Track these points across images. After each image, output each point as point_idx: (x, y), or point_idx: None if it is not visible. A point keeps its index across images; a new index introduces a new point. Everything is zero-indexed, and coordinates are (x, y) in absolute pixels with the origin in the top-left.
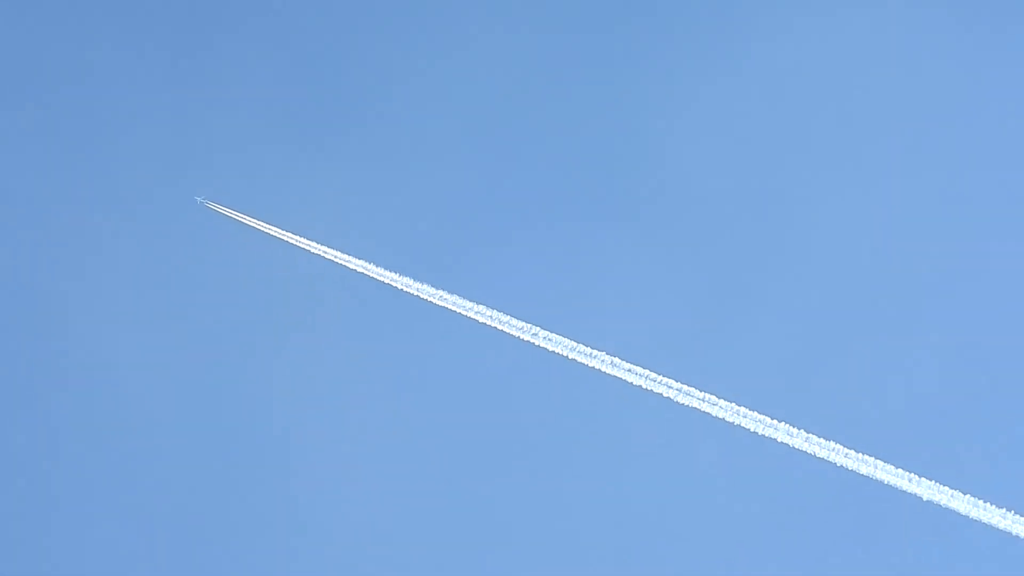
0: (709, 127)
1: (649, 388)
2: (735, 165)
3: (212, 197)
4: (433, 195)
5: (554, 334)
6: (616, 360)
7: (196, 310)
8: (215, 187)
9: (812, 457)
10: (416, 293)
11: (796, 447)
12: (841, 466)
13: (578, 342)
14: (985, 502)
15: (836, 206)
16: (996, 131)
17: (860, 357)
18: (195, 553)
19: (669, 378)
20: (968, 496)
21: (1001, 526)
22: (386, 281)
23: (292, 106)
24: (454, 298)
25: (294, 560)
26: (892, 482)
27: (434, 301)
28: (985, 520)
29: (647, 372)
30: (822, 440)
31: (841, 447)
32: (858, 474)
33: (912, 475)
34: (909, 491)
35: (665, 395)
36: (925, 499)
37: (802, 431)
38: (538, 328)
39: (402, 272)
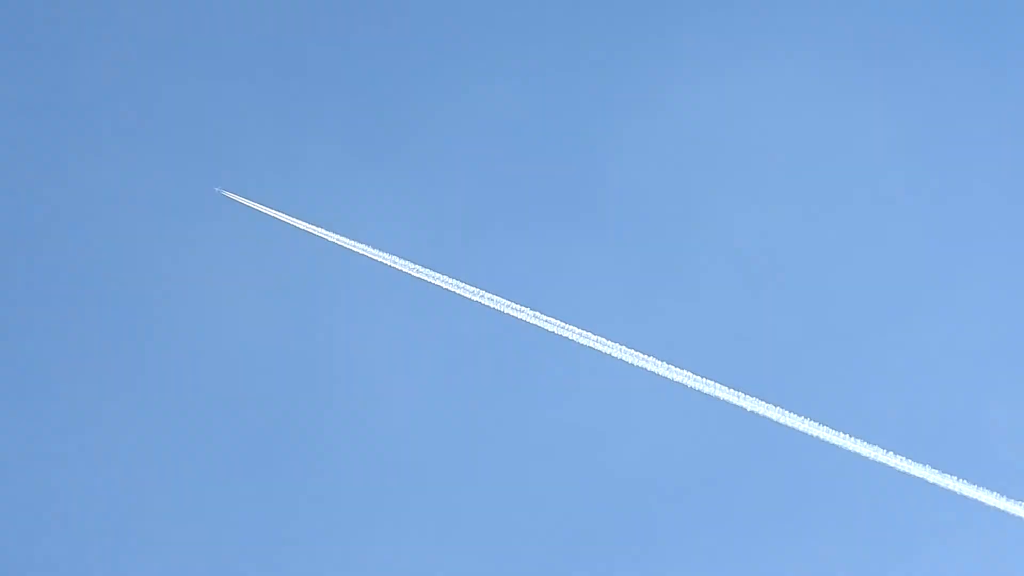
0: (649, 152)
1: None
2: (665, 183)
3: (232, 188)
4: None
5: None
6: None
7: (220, 297)
8: (236, 178)
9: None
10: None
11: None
12: (724, 400)
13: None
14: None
15: (736, 208)
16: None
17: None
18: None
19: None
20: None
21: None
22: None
23: (318, 99)
24: (455, 282)
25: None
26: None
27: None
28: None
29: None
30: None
31: (723, 387)
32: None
33: (783, 409)
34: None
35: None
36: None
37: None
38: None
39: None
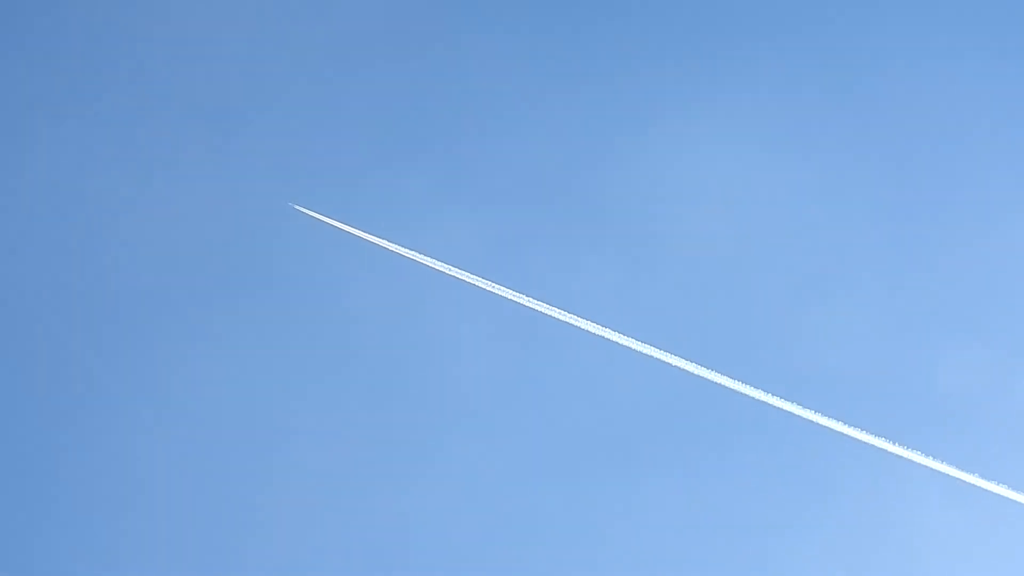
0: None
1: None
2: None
3: (305, 203)
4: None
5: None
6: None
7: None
8: (310, 193)
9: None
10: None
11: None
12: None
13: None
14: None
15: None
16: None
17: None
18: None
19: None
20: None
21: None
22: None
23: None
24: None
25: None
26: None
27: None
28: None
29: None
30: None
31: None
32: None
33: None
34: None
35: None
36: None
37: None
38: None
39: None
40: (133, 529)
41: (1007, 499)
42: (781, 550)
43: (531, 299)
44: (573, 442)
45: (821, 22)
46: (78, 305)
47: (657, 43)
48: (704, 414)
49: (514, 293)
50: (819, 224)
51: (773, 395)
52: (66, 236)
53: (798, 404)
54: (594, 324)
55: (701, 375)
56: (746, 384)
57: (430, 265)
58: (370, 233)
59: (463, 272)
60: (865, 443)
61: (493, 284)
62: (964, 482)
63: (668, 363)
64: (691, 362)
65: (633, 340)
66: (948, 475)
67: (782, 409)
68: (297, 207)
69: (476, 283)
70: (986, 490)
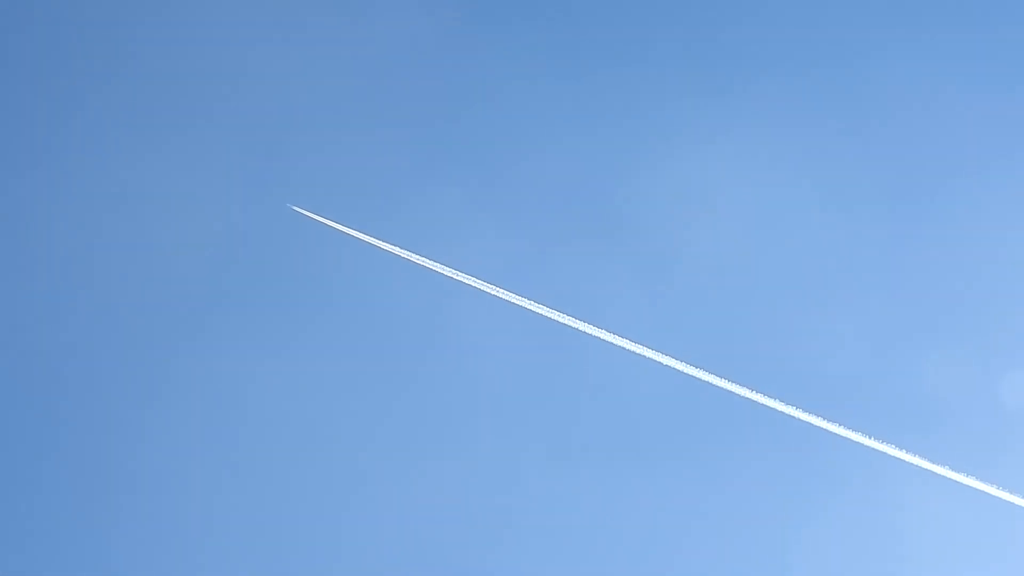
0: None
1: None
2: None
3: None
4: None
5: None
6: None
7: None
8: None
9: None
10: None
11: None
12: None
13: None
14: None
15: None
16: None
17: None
18: None
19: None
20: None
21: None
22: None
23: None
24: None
25: None
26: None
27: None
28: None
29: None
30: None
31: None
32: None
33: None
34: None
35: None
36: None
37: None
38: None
39: None
40: (133, 529)
41: (985, 493)
42: (779, 542)
43: (549, 308)
44: (593, 443)
45: (836, 46)
46: (79, 307)
47: (679, 68)
48: (716, 418)
49: (534, 303)
50: (828, 238)
51: (783, 401)
52: (66, 236)
53: (802, 409)
54: (612, 334)
55: (710, 381)
56: (756, 391)
57: (454, 276)
58: (399, 247)
59: (485, 283)
60: (865, 445)
61: (514, 295)
62: (945, 477)
63: (683, 371)
64: (706, 371)
65: (648, 349)
66: (931, 471)
67: (794, 416)
68: (302, 211)
69: (498, 294)
70: (966, 485)
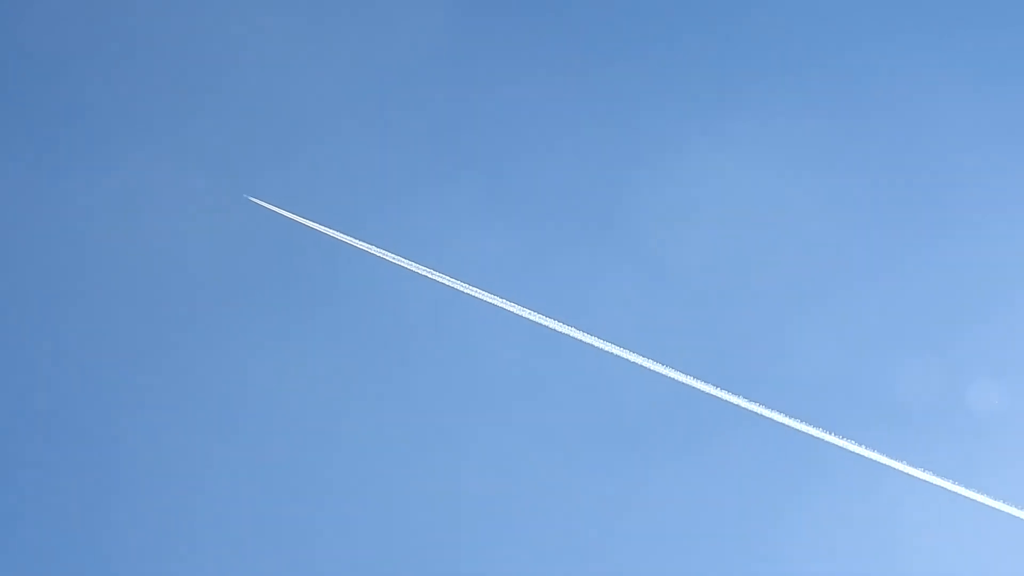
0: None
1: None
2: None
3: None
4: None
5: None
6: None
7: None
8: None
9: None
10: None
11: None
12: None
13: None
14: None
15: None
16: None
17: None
18: None
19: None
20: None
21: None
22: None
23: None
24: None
25: None
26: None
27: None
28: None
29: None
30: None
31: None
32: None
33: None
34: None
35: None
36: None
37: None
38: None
39: None
40: (133, 529)
41: (958, 495)
42: (764, 540)
43: (544, 316)
44: (586, 446)
45: (840, 53)
46: (79, 307)
47: (680, 74)
48: (711, 421)
49: (529, 311)
50: (827, 245)
51: (776, 410)
52: (66, 237)
53: (788, 414)
54: (607, 342)
55: (701, 388)
56: (749, 399)
57: (451, 285)
58: (397, 253)
59: (482, 291)
60: (846, 449)
61: (511, 303)
62: (921, 479)
63: (677, 379)
64: (695, 378)
65: (641, 356)
66: (908, 474)
67: (779, 421)
68: (305, 221)
69: (495, 302)
70: (941, 487)
